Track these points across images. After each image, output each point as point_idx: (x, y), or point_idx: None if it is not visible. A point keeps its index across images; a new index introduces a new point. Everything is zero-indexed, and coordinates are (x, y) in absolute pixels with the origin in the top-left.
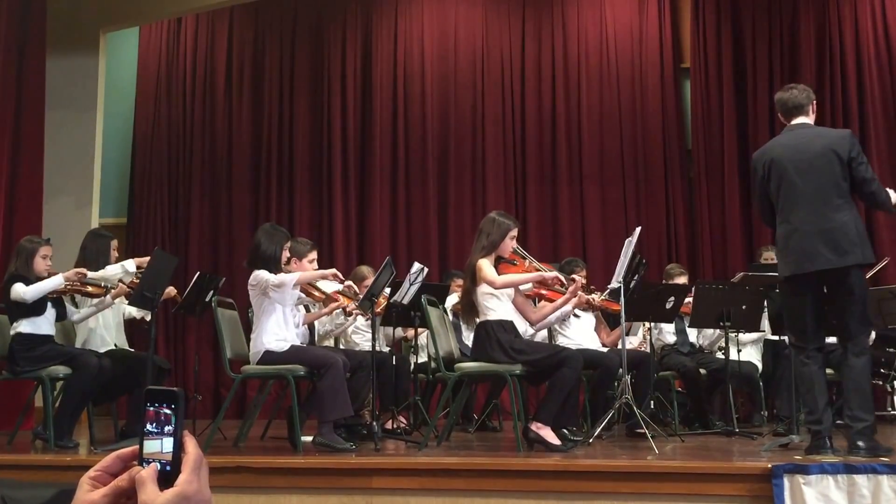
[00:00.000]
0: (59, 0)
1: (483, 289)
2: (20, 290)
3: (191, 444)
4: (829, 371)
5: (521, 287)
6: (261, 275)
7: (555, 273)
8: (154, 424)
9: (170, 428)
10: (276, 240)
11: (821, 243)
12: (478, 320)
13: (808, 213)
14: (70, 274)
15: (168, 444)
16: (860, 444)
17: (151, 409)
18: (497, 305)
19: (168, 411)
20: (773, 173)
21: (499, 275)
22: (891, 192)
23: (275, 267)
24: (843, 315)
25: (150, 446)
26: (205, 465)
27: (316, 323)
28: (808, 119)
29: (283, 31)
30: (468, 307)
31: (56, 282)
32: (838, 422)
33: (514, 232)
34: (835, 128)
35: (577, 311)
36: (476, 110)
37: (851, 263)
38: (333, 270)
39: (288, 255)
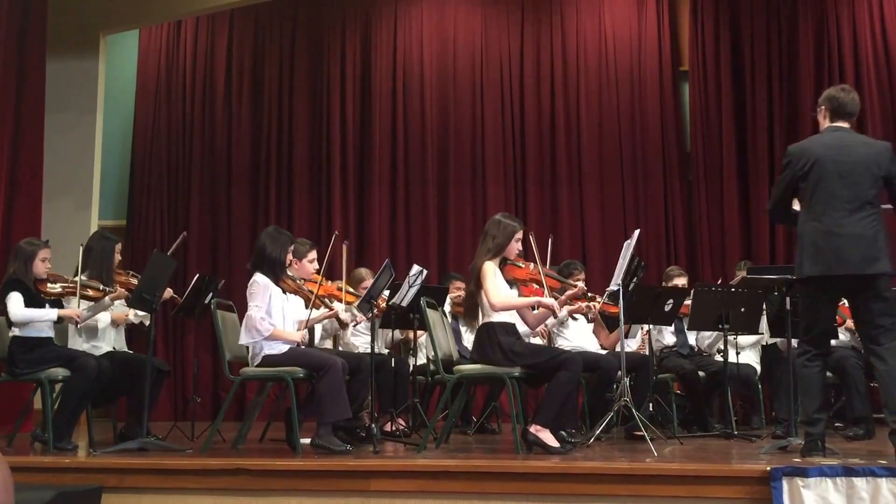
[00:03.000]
0: (59, 2)
1: None
2: (14, 309)
3: None
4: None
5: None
6: (254, 296)
7: (551, 300)
8: None
9: None
10: (281, 243)
11: (853, 248)
12: (480, 321)
13: (843, 218)
14: (64, 313)
15: None
16: None
17: None
18: None
19: None
20: (814, 171)
21: (504, 276)
22: None
23: (279, 270)
24: (873, 318)
25: None
26: None
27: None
28: (849, 125)
29: (283, 34)
30: (471, 309)
31: (49, 316)
32: (837, 424)
33: (520, 234)
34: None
35: (574, 314)
36: (475, 113)
37: (880, 271)
38: (302, 335)
39: (290, 256)
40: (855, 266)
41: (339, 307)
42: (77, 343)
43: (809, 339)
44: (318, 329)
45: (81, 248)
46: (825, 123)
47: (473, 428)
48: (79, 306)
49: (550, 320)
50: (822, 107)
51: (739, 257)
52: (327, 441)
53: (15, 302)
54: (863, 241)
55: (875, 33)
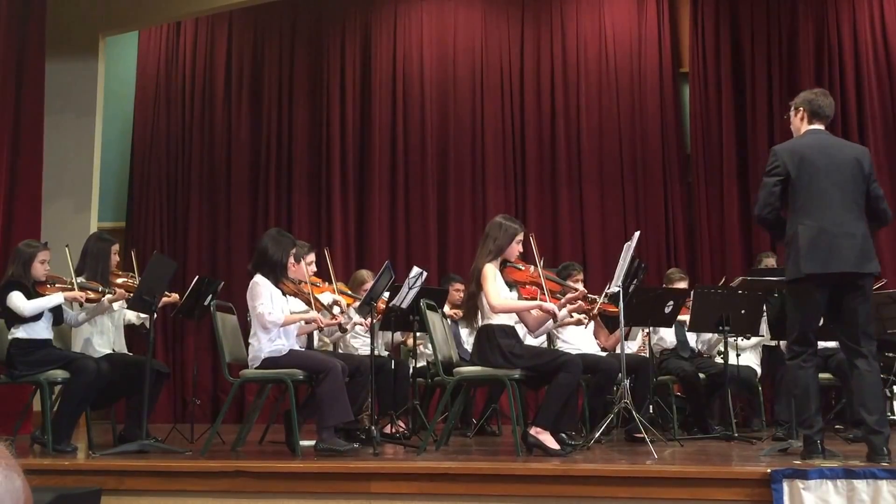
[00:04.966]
0: (58, 4)
1: None
2: (20, 304)
3: None
4: (827, 376)
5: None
6: (258, 296)
7: (552, 305)
8: None
9: None
10: (283, 245)
11: (848, 247)
12: (479, 323)
13: (836, 216)
14: (69, 295)
15: None
16: (885, 450)
17: None
18: None
19: None
20: (803, 171)
21: (504, 279)
22: None
23: (281, 272)
24: (856, 319)
25: None
26: None
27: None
28: (825, 128)
29: (283, 36)
30: (471, 311)
31: (56, 300)
32: (837, 426)
33: (521, 236)
34: (832, 132)
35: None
36: (475, 114)
37: (871, 271)
38: (314, 315)
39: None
40: (851, 264)
41: (337, 311)
42: (79, 343)
43: (796, 338)
44: (315, 333)
45: (67, 249)
46: (803, 126)
47: (473, 430)
48: (81, 308)
49: (550, 323)
50: (801, 109)
51: (740, 258)
52: (331, 443)
53: (18, 298)
54: (855, 240)
55: (875, 33)
